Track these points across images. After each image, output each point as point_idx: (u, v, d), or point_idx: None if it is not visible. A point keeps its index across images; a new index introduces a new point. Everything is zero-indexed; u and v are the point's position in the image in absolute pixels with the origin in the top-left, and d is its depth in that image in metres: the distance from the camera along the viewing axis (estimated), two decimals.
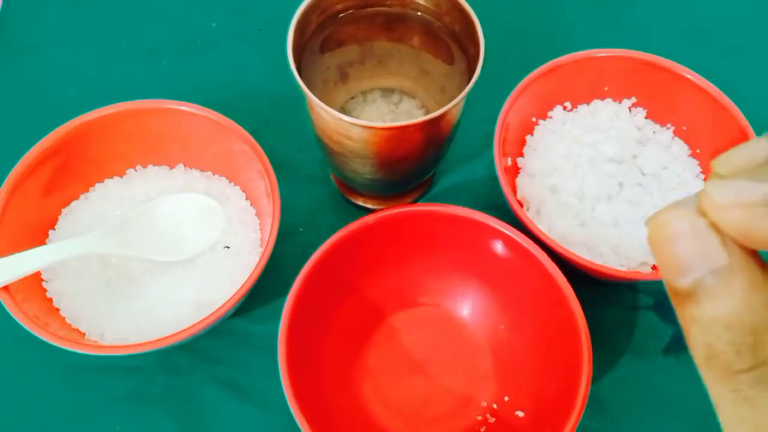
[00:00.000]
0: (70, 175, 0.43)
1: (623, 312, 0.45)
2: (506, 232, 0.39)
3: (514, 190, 0.45)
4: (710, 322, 0.14)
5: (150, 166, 0.45)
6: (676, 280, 0.15)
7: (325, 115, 0.36)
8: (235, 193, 0.44)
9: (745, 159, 0.14)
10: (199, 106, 0.42)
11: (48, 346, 0.35)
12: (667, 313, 0.45)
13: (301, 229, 0.47)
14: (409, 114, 0.45)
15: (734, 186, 0.14)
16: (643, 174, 0.45)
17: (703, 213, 0.14)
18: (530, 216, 0.43)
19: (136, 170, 0.45)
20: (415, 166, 0.41)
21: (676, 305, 0.15)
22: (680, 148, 0.46)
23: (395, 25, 0.42)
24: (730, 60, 0.54)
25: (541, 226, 0.42)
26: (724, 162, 0.14)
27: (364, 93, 0.46)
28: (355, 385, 0.41)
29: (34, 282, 0.39)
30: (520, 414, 0.39)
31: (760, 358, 0.14)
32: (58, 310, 0.39)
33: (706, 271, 0.14)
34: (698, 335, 0.14)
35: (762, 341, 0.13)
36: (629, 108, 0.47)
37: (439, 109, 0.35)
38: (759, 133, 0.42)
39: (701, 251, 0.14)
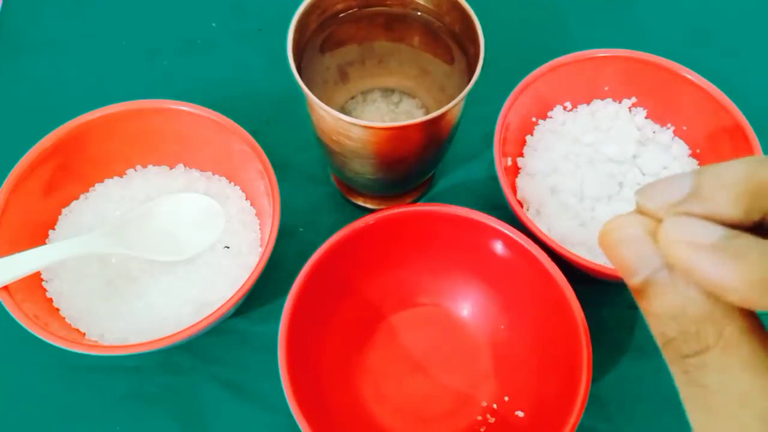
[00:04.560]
0: (70, 175, 0.43)
1: (623, 312, 0.45)
2: (506, 232, 0.39)
3: (514, 190, 0.45)
4: (659, 314, 0.16)
5: (150, 166, 0.45)
6: (627, 279, 0.17)
7: (325, 115, 0.36)
8: (235, 193, 0.44)
9: (667, 194, 0.16)
10: (199, 106, 0.42)
11: (48, 346, 0.35)
12: None
13: (301, 229, 0.47)
14: (409, 114, 0.45)
15: (687, 225, 0.15)
16: (643, 174, 0.45)
17: (643, 223, 0.17)
18: (530, 216, 0.43)
19: (136, 170, 0.45)
20: (415, 166, 0.41)
21: (634, 297, 0.17)
22: (680, 148, 0.46)
23: (395, 25, 0.42)
24: (730, 60, 0.54)
25: (541, 226, 0.42)
26: (646, 195, 0.17)
27: (364, 93, 0.46)
28: (355, 385, 0.41)
29: (34, 282, 0.39)
30: (520, 414, 0.39)
31: (702, 344, 0.15)
32: (58, 310, 0.39)
33: (649, 272, 0.16)
34: (653, 325, 0.16)
35: (704, 330, 0.15)
36: (629, 108, 0.47)
37: (439, 109, 0.35)
38: (759, 132, 0.42)
39: (641, 256, 0.16)
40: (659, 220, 0.16)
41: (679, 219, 0.16)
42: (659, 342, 0.16)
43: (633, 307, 0.45)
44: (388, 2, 0.41)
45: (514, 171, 0.45)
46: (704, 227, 0.15)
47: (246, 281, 0.37)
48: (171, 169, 0.45)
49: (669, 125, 0.47)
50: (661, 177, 0.45)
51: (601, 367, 0.42)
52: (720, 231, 0.15)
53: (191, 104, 0.42)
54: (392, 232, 0.41)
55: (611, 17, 0.57)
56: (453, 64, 0.41)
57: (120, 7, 0.56)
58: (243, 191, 0.45)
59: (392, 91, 0.46)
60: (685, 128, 0.46)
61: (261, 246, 0.42)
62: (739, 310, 0.15)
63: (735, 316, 0.15)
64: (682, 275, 0.15)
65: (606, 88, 0.47)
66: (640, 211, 0.17)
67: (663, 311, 0.16)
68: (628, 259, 0.17)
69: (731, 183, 0.15)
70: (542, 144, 0.46)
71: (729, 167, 0.15)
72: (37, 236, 0.41)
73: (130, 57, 0.54)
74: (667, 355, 0.16)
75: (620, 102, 0.47)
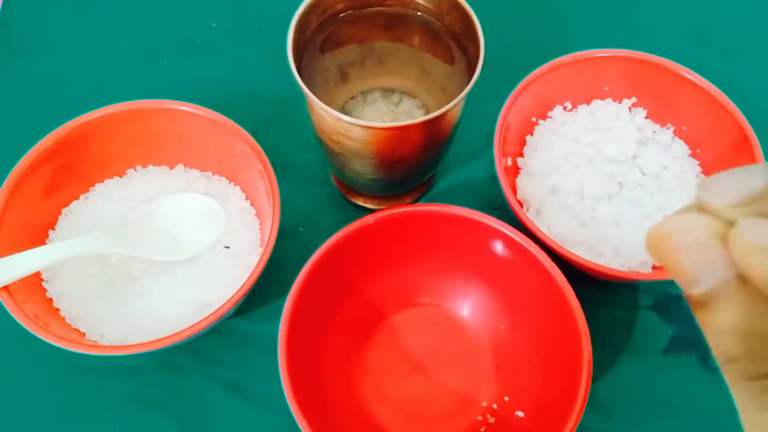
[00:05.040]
0: (70, 175, 0.43)
1: (623, 312, 0.45)
2: (506, 232, 0.39)
3: (514, 190, 0.45)
4: (723, 329, 0.14)
5: (150, 166, 0.45)
6: (687, 289, 0.15)
7: (325, 115, 0.36)
8: (235, 193, 0.44)
9: (737, 189, 0.14)
10: (199, 106, 0.42)
11: (48, 346, 0.35)
12: (667, 313, 0.45)
13: (301, 229, 0.47)
14: (409, 114, 0.45)
15: None
16: (643, 174, 0.45)
17: (709, 225, 0.14)
18: (530, 216, 0.43)
19: (136, 170, 0.45)
20: (415, 166, 0.41)
21: (692, 308, 0.15)
22: (680, 148, 0.46)
23: (395, 25, 0.42)
24: (730, 60, 0.54)
25: (541, 226, 0.42)
26: (711, 190, 0.14)
27: (364, 93, 0.46)
28: (356, 385, 0.41)
29: (34, 282, 0.39)
30: (520, 414, 0.39)
31: None
32: (58, 310, 0.39)
33: (715, 282, 0.14)
34: (714, 341, 0.15)
35: None
36: (629, 108, 0.47)
37: (439, 109, 0.35)
38: (759, 132, 0.42)
39: (707, 265, 0.14)
40: (728, 221, 0.14)
41: (756, 222, 0.13)
42: (719, 359, 0.15)
43: (633, 308, 0.45)
44: (388, 2, 0.40)
45: (514, 171, 0.45)
46: None
47: (246, 281, 0.37)
48: (171, 169, 0.45)
49: (669, 125, 0.47)
50: (661, 177, 0.46)
51: (601, 367, 0.42)
52: None
53: (191, 104, 0.42)
54: (392, 232, 0.41)
55: (611, 17, 0.57)
56: (453, 65, 0.41)
57: (120, 7, 0.56)
58: (243, 191, 0.45)
59: (392, 91, 0.46)
60: (685, 128, 0.46)
61: (261, 246, 0.42)
62: None
63: None
64: (759, 288, 0.13)
65: (606, 88, 0.47)
66: (701, 208, 0.15)
67: (728, 327, 0.14)
68: (689, 266, 0.14)
69: None
70: (542, 144, 0.46)
71: None
72: (37, 236, 0.41)
73: (130, 57, 0.54)
74: (728, 375, 0.14)
75: (620, 102, 0.47)
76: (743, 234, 0.13)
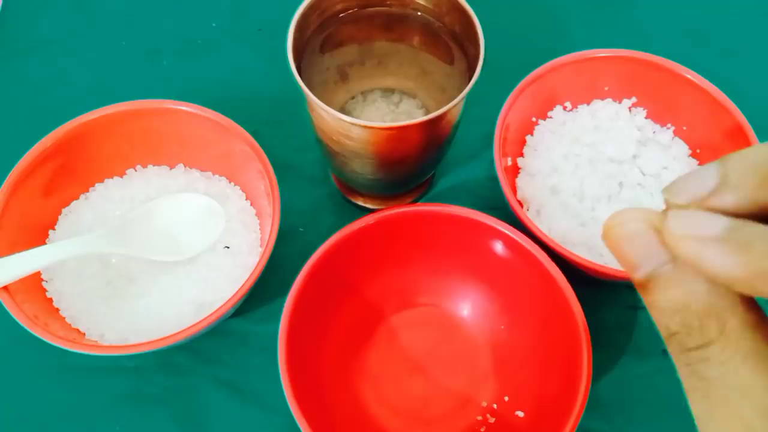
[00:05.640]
0: (70, 175, 0.43)
1: (623, 312, 0.45)
2: (506, 232, 0.39)
3: (514, 190, 0.45)
4: (663, 307, 0.16)
5: (150, 166, 0.45)
6: (631, 273, 0.17)
7: (325, 115, 0.36)
8: (235, 193, 0.44)
9: (695, 187, 0.16)
10: (199, 106, 0.42)
11: (48, 346, 0.35)
12: None
13: (301, 229, 0.47)
14: (409, 114, 0.45)
15: (690, 218, 0.15)
16: (643, 174, 0.45)
17: (647, 217, 0.17)
18: (530, 216, 0.43)
19: (136, 170, 0.45)
20: (415, 166, 0.41)
21: (639, 292, 0.17)
22: (680, 148, 0.46)
23: (395, 26, 0.42)
24: (730, 60, 0.54)
25: (541, 226, 0.42)
26: (674, 191, 0.16)
27: (364, 93, 0.46)
28: (355, 386, 0.41)
29: (34, 282, 0.39)
30: (520, 414, 0.39)
31: (705, 338, 0.15)
32: (58, 310, 0.39)
33: (653, 266, 0.16)
34: (657, 318, 0.17)
35: (706, 324, 0.15)
36: (629, 108, 0.47)
37: (439, 109, 0.35)
38: (759, 133, 0.42)
39: (646, 250, 0.16)
40: (663, 214, 0.16)
41: (683, 212, 0.16)
42: (663, 335, 0.17)
43: (633, 308, 0.45)
44: (388, 2, 0.41)
45: (514, 171, 0.45)
46: (708, 219, 0.15)
47: (246, 281, 0.37)
48: (171, 169, 0.45)
49: (669, 125, 0.47)
50: (661, 177, 0.46)
51: (601, 367, 0.42)
52: (724, 222, 0.15)
53: (191, 104, 0.42)
54: (392, 232, 0.41)
55: (611, 17, 0.57)
56: (453, 65, 0.41)
57: (120, 7, 0.56)
58: (243, 191, 0.45)
59: (392, 91, 0.46)
60: (685, 128, 0.46)
61: (261, 246, 0.42)
62: (743, 304, 0.15)
63: (738, 311, 0.15)
64: (689, 268, 0.15)
65: (606, 88, 0.47)
66: (668, 207, 0.17)
67: (667, 305, 0.16)
68: (631, 253, 0.17)
69: (759, 165, 0.15)
70: (542, 144, 0.46)
71: (755, 150, 0.15)
72: (37, 236, 0.41)
73: (130, 57, 0.54)
74: (671, 348, 0.16)
75: (620, 102, 0.47)
76: (670, 223, 0.16)
